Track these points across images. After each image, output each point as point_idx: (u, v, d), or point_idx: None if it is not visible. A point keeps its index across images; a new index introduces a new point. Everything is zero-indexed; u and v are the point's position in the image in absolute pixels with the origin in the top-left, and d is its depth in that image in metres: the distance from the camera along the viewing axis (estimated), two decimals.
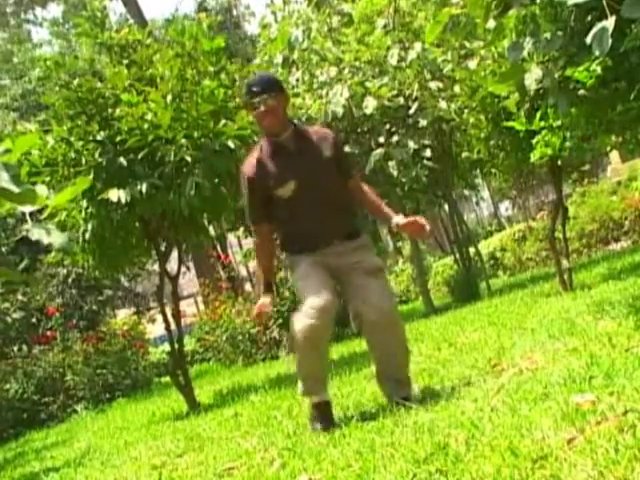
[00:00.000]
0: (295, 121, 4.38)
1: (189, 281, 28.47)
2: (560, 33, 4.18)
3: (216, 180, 7.04)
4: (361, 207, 4.44)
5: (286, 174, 4.05)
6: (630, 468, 2.12)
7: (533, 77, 4.35)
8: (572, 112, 5.15)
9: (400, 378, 4.15)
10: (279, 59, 11.39)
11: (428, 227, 4.20)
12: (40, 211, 2.00)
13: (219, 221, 8.41)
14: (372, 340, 4.13)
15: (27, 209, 1.91)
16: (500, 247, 17.85)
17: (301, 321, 3.89)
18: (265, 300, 4.27)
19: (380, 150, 10.51)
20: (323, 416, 4.03)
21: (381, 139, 10.83)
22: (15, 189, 1.85)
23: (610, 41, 3.29)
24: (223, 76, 7.62)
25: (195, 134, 7.03)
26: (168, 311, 8.02)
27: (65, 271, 16.40)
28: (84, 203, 7.08)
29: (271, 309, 4.35)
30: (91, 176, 6.91)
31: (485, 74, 7.44)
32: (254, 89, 3.99)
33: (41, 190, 1.92)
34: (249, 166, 4.16)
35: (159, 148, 6.93)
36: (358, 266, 4.08)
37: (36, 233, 1.92)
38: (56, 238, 1.94)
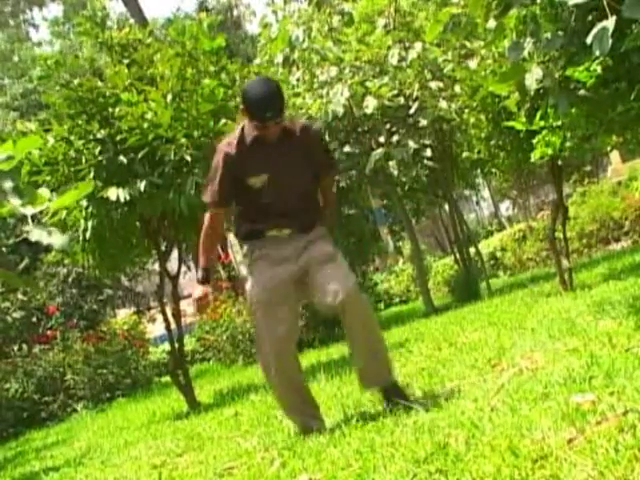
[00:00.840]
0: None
1: (189, 281, 28.45)
2: (560, 33, 4.17)
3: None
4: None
5: (261, 165, 3.97)
6: (630, 468, 2.12)
7: (533, 77, 4.34)
8: (572, 112, 5.15)
9: (379, 362, 4.05)
10: (279, 59, 11.38)
11: None
12: (41, 212, 1.99)
13: None
14: (345, 324, 4.04)
15: (29, 212, 1.91)
16: (500, 247, 17.85)
17: (265, 360, 4.00)
18: (206, 289, 4.30)
19: (380, 150, 10.51)
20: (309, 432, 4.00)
21: (381, 139, 10.83)
22: (18, 201, 1.85)
23: (610, 41, 3.29)
24: (223, 76, 7.63)
25: (195, 133, 7.03)
26: (168, 310, 8.02)
27: (65, 270, 16.42)
28: (84, 202, 7.08)
29: (211, 297, 4.39)
30: (91, 175, 6.92)
31: (485, 74, 7.44)
32: (268, 114, 3.81)
33: (43, 193, 1.92)
34: (229, 146, 4.03)
35: (159, 147, 6.93)
36: (311, 259, 4.00)
37: (36, 234, 1.92)
38: (56, 239, 1.94)
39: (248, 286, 4.12)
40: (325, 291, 3.90)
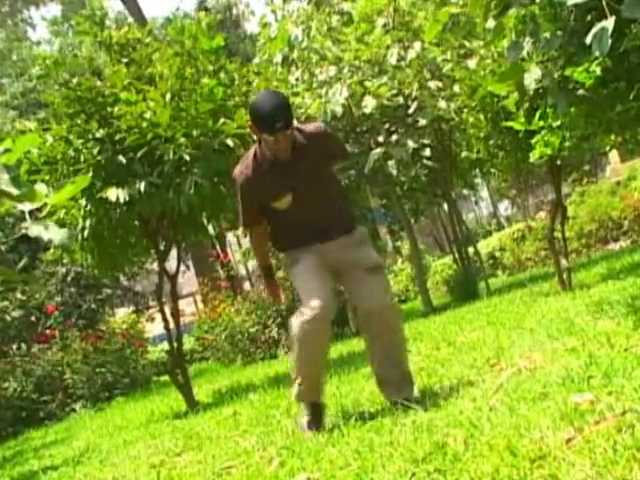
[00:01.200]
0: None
1: (188, 280, 28.48)
2: (559, 33, 4.18)
3: (215, 179, 7.04)
4: None
5: (282, 187, 3.99)
6: (629, 468, 2.12)
7: (532, 77, 4.34)
8: (571, 112, 5.16)
9: (401, 375, 4.12)
10: (279, 58, 11.39)
11: None
12: (39, 209, 1.99)
13: (218, 220, 8.40)
14: (371, 333, 4.11)
15: (26, 208, 1.91)
16: (499, 247, 17.87)
17: (299, 324, 3.86)
18: (275, 284, 4.46)
19: (379, 149, 10.52)
20: (315, 419, 4.02)
21: (380, 138, 10.83)
22: (15, 191, 1.85)
23: (610, 41, 3.29)
24: (222, 75, 7.62)
25: (194, 133, 7.03)
26: (167, 310, 8.01)
27: (64, 270, 16.42)
28: (83, 201, 7.07)
29: (281, 290, 4.49)
30: (90, 174, 6.91)
31: (484, 73, 7.45)
32: (277, 125, 3.79)
33: (40, 189, 1.91)
34: (242, 175, 4.07)
35: (158, 147, 6.93)
36: (358, 263, 4.06)
37: (35, 230, 1.92)
38: (55, 234, 1.94)
39: (293, 272, 4.17)
40: (364, 297, 4.01)
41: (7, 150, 1.96)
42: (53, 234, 1.93)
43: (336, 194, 4.23)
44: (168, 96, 7.09)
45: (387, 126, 11.02)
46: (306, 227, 4.07)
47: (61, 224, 7.19)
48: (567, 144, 6.35)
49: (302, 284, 4.02)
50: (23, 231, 1.95)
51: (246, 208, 4.16)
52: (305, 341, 3.88)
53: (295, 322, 3.90)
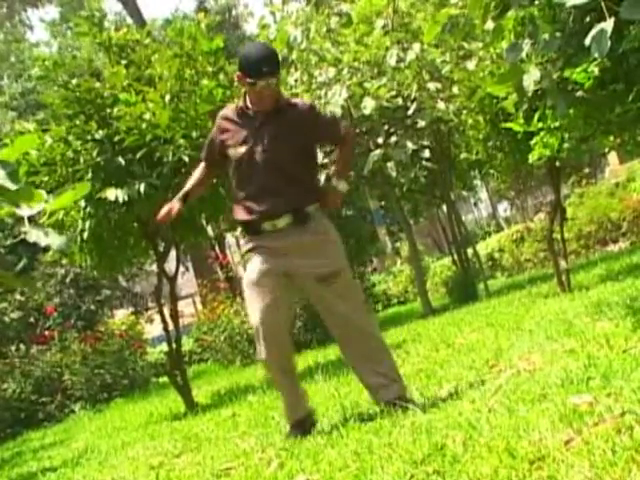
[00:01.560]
0: (280, 95, 4.18)
1: (187, 281, 28.46)
2: (558, 34, 4.18)
3: (214, 180, 7.04)
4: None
5: (242, 138, 3.99)
6: (627, 469, 2.12)
7: (531, 78, 4.34)
8: (570, 113, 5.16)
9: (384, 377, 4.00)
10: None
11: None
12: (38, 212, 1.99)
13: (217, 221, 8.40)
14: (345, 352, 4.10)
15: (25, 213, 1.90)
16: (498, 248, 17.84)
17: (259, 352, 3.99)
18: (176, 204, 4.30)
19: (379, 151, 10.52)
20: (302, 430, 4.00)
21: (380, 140, 10.83)
22: (12, 186, 1.84)
23: (609, 43, 3.29)
24: (222, 76, 7.62)
25: (194, 134, 7.03)
26: (166, 311, 8.02)
27: (63, 271, 16.41)
28: (82, 203, 7.08)
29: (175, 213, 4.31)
30: (89, 175, 6.92)
31: (484, 75, 7.45)
32: (264, 69, 3.82)
33: (40, 192, 1.91)
34: (227, 109, 4.16)
35: (157, 148, 6.93)
36: (310, 271, 3.94)
37: (34, 235, 1.91)
38: (54, 240, 1.94)
39: (244, 278, 4.10)
40: (324, 315, 3.99)
41: (4, 145, 1.96)
42: (52, 240, 1.93)
43: (300, 181, 4.04)
44: (167, 97, 7.10)
45: (386, 127, 11.02)
46: (254, 192, 3.98)
47: (60, 225, 7.20)
48: (566, 145, 6.35)
49: (250, 296, 3.98)
50: (22, 236, 1.95)
51: (210, 143, 4.22)
52: (270, 366, 4.04)
53: (257, 347, 4.00)
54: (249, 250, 4.08)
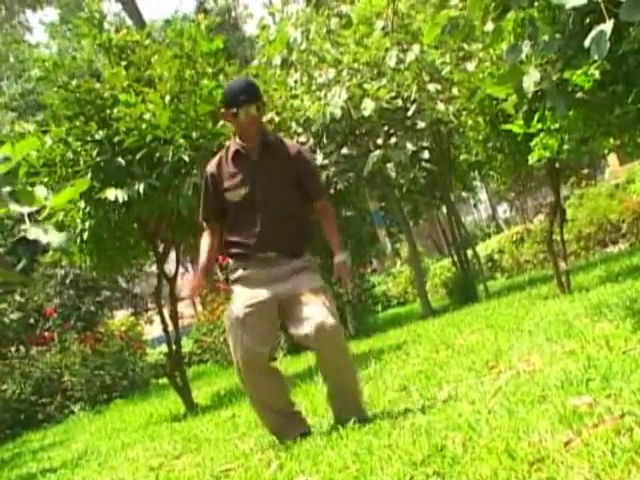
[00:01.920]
0: (268, 131, 4.35)
1: (187, 282, 28.45)
2: (558, 36, 4.18)
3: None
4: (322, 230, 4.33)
5: (240, 180, 4.03)
6: (627, 471, 2.12)
7: (531, 80, 4.34)
8: (570, 115, 5.16)
9: (348, 401, 3.99)
10: (278, 60, 11.39)
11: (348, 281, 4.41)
12: (38, 212, 1.99)
13: None
14: (319, 359, 4.05)
15: (25, 211, 1.91)
16: (498, 249, 17.85)
17: (244, 387, 4.11)
18: (202, 281, 4.24)
19: (378, 152, 10.52)
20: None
21: (379, 141, 10.83)
22: (17, 208, 1.85)
23: (608, 44, 3.29)
24: (221, 77, 7.62)
25: (193, 134, 7.03)
26: (166, 312, 8.01)
27: (63, 272, 16.40)
28: (82, 203, 7.08)
29: (201, 289, 4.34)
30: (89, 176, 6.92)
31: (483, 76, 7.45)
32: (242, 97, 3.96)
33: (40, 192, 1.91)
34: (211, 164, 4.18)
35: (157, 148, 6.93)
36: (297, 291, 3.96)
37: (34, 233, 1.92)
38: (54, 237, 1.94)
39: (227, 315, 4.12)
40: (305, 321, 3.89)
41: (7, 159, 1.96)
42: (51, 237, 1.94)
43: (295, 217, 4.11)
44: (167, 98, 7.10)
45: (386, 129, 11.02)
46: (253, 231, 4.02)
47: (60, 226, 7.20)
48: (566, 147, 6.35)
49: (232, 335, 4.02)
50: (22, 234, 1.96)
51: (207, 199, 4.20)
52: (247, 382, 4.08)
53: (237, 373, 4.12)
54: (236, 280, 4.13)
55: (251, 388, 4.04)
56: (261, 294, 3.96)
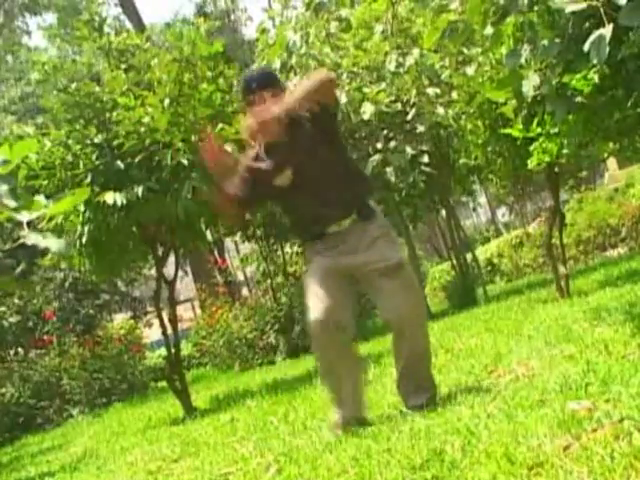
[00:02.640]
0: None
1: (186, 286, 28.45)
2: (558, 40, 4.18)
3: (213, 185, 7.04)
4: None
5: (281, 163, 3.95)
6: (626, 476, 2.12)
7: (530, 84, 4.35)
8: (569, 119, 5.16)
9: (420, 382, 4.01)
10: (277, 64, 11.39)
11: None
12: (37, 217, 1.99)
13: (216, 226, 8.40)
14: (396, 343, 4.01)
15: (25, 218, 1.91)
16: (497, 253, 17.87)
17: (312, 339, 3.95)
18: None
19: (378, 156, 10.52)
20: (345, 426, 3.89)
21: (379, 145, 10.83)
22: (13, 203, 1.85)
23: (608, 49, 3.30)
24: (221, 81, 7.63)
25: (192, 138, 7.03)
26: (165, 316, 8.01)
27: (62, 275, 16.40)
28: (81, 207, 7.08)
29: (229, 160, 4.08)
30: (88, 179, 6.92)
31: (483, 80, 7.45)
32: (253, 85, 3.94)
33: (40, 200, 1.91)
34: (247, 157, 4.13)
35: (156, 152, 6.94)
36: (372, 267, 3.89)
37: (33, 238, 1.92)
38: (53, 243, 1.94)
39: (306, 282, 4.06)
40: (383, 308, 3.95)
41: (5, 161, 1.96)
42: (50, 243, 1.94)
43: (349, 174, 4.04)
44: (166, 101, 7.10)
45: (385, 132, 11.03)
46: (315, 207, 3.94)
47: (59, 230, 7.20)
48: (565, 151, 6.35)
49: (309, 294, 3.94)
50: (21, 240, 1.95)
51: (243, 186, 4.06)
52: (316, 351, 3.99)
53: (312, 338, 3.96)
54: (309, 261, 4.09)
55: (322, 358, 3.99)
56: (336, 262, 3.92)
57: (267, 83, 3.97)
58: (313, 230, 4.03)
